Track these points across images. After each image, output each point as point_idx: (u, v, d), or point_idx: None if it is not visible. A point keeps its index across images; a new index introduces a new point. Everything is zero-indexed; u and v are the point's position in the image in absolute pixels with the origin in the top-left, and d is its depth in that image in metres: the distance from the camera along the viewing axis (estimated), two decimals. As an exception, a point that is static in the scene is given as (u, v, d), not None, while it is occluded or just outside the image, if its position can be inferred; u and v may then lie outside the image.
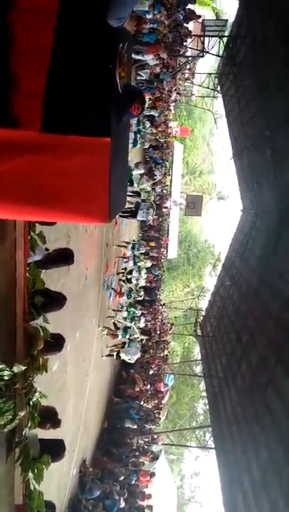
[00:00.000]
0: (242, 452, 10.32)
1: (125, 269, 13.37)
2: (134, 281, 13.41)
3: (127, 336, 12.06)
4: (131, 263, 13.97)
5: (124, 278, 12.96)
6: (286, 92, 10.68)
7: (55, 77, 3.05)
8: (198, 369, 27.74)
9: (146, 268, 15.05)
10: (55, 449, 5.32)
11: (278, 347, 9.99)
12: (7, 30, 3.04)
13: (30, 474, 4.52)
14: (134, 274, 13.11)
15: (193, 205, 27.28)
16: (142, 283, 13.57)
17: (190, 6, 14.65)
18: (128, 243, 12.77)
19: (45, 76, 3.08)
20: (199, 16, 16.66)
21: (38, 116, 3.07)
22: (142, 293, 14.48)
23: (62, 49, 3.07)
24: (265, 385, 9.90)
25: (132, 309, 12.87)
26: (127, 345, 12.06)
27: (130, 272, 12.85)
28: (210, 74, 22.12)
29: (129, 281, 12.87)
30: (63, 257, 5.35)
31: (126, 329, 12.11)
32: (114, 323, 12.06)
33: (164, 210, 21.61)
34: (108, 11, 3.03)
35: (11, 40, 3.05)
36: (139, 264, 13.68)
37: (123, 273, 13.09)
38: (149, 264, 15.19)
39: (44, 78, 3.08)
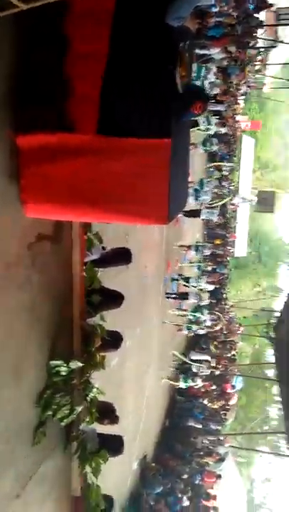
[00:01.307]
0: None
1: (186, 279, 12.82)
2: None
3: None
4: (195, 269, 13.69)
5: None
6: None
7: (112, 79, 3.08)
8: (270, 372, 26.69)
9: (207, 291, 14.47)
10: (114, 445, 5.41)
11: None
12: (63, 35, 3.14)
13: (88, 468, 4.64)
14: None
15: (265, 202, 26.26)
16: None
17: (261, -5, 14.06)
18: (189, 247, 12.53)
19: (100, 80, 3.12)
20: (272, 5, 15.93)
21: (95, 119, 3.12)
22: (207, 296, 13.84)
23: (119, 51, 3.08)
24: None
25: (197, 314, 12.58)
26: None
27: (187, 280, 12.40)
28: (286, 64, 21.12)
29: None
30: (120, 256, 5.42)
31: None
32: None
33: (231, 207, 21.03)
34: (167, 10, 2.99)
35: (67, 45, 3.14)
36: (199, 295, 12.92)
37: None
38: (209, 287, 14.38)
39: (100, 82, 3.12)
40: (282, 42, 18.06)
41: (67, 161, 3.27)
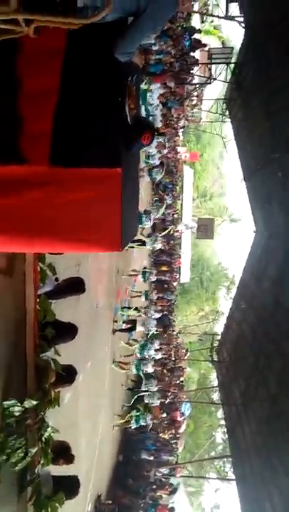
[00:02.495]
0: (263, 484, 9.89)
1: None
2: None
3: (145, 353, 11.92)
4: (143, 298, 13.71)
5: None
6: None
7: (64, 114, 3.08)
8: (215, 396, 27.04)
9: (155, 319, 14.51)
10: (69, 486, 5.14)
11: None
12: (14, 73, 3.12)
13: (44, 514, 4.34)
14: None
15: (205, 229, 27.25)
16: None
17: (196, 36, 15.04)
18: (137, 271, 12.64)
19: (51, 116, 3.12)
20: (205, 45, 17.08)
21: (47, 151, 3.09)
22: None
23: (70, 86, 3.11)
24: (284, 411, 9.56)
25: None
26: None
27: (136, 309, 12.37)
28: (218, 99, 22.51)
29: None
30: (74, 287, 5.31)
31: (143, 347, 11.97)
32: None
33: (176, 234, 21.58)
34: (115, 46, 3.09)
35: (18, 82, 3.12)
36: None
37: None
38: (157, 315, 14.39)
39: (51, 118, 3.12)
40: (215, 79, 19.31)
41: (19, 192, 3.20)
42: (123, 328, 11.53)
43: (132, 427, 11.71)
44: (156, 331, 13.76)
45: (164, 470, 14.66)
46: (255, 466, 11.08)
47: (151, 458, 13.40)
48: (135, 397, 12.39)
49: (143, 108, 10.85)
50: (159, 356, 13.85)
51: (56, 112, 3.08)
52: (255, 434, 11.91)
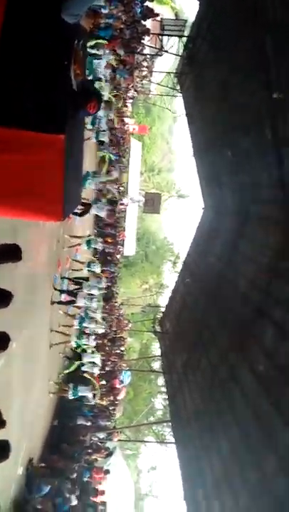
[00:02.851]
0: (203, 446, 10.46)
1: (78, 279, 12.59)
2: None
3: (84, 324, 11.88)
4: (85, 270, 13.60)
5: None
6: (244, 93, 10.91)
7: (7, 73, 2.98)
8: (156, 365, 28.01)
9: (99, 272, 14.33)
10: (-2, 449, 5.22)
11: (238, 343, 10.21)
12: None
13: None
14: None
15: (152, 203, 27.43)
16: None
17: (148, 4, 14.66)
18: (80, 240, 12.40)
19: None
20: (157, 14, 16.71)
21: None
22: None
23: (13, 44, 2.99)
24: (226, 380, 10.07)
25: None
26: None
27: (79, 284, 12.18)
28: (169, 73, 22.28)
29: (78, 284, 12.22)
30: (9, 253, 5.21)
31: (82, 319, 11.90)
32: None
33: (121, 207, 21.55)
34: (63, 6, 2.99)
35: None
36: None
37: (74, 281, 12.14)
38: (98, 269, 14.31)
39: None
40: (166, 51, 19.04)
41: None
42: (62, 300, 11.41)
43: (70, 397, 11.76)
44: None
45: (101, 435, 15.12)
46: (195, 429, 11.66)
47: (88, 423, 13.75)
48: (74, 366, 12.40)
49: (91, 75, 10.50)
50: (101, 331, 13.83)
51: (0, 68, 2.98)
52: (196, 399, 12.49)
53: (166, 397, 18.13)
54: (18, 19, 3.04)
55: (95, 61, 10.75)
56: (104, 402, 15.31)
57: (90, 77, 10.45)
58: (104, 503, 13.68)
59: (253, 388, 8.39)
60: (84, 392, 11.97)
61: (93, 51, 10.96)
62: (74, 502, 10.60)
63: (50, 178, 3.26)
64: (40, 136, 3.13)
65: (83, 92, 3.36)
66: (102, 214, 13.46)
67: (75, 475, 11.47)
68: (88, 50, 10.31)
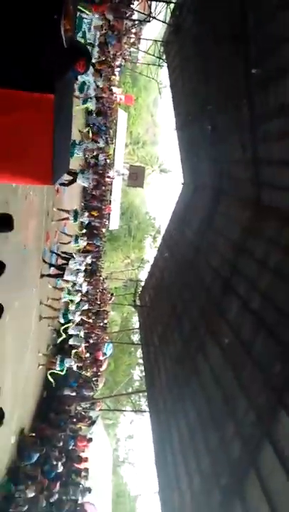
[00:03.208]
0: (173, 414, 10.90)
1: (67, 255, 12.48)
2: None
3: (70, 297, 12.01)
4: (72, 243, 13.53)
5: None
6: (227, 67, 10.74)
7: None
8: (135, 338, 28.51)
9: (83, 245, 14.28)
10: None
11: (208, 317, 10.50)
12: None
13: None
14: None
15: (136, 177, 27.13)
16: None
17: None
18: (68, 213, 12.33)
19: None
20: (146, -22, 16.11)
21: None
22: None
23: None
24: (196, 352, 10.41)
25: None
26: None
27: (66, 259, 12.15)
28: (156, 41, 21.66)
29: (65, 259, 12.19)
30: (2, 222, 5.13)
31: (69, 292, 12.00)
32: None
33: (107, 179, 21.24)
34: None
35: None
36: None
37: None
38: (84, 243, 14.33)
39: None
40: (154, 18, 18.44)
41: None
42: (51, 273, 11.43)
43: (57, 369, 11.99)
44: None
45: (85, 404, 15.44)
46: (167, 398, 12.09)
47: (74, 394, 14.01)
48: (60, 339, 12.58)
49: (80, 35, 10.10)
50: (86, 307, 13.98)
51: None
52: (169, 370, 12.90)
53: (144, 368, 18.61)
54: None
55: (85, 21, 10.34)
56: (88, 374, 15.55)
57: (80, 39, 10.07)
58: (86, 470, 14.10)
59: (218, 360, 8.76)
60: (69, 363, 12.23)
61: (82, 16, 10.53)
62: (60, 469, 10.91)
63: (39, 138, 3.16)
64: (28, 96, 3.01)
65: (72, 49, 3.20)
66: (88, 184, 13.28)
67: (61, 443, 11.75)
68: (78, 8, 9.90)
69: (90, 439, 14.89)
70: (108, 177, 21.05)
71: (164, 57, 20.49)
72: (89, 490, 12.09)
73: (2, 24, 2.89)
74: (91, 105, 13.54)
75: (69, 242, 13.45)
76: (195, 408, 9.36)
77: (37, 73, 3.00)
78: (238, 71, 9.40)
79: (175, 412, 10.76)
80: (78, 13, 10.09)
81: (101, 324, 17.99)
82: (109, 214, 23.88)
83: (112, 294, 21.74)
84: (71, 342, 12.81)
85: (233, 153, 11.23)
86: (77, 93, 11.82)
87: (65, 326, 12.40)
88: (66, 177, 11.48)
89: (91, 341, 15.79)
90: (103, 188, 19.58)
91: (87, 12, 10.67)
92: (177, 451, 9.86)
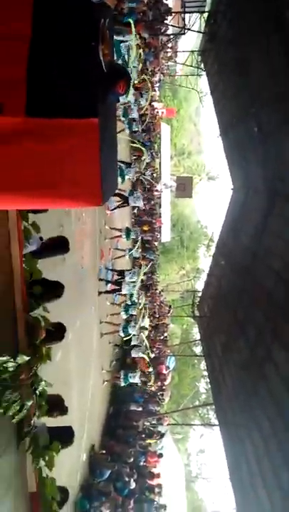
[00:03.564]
0: (244, 426, 10.55)
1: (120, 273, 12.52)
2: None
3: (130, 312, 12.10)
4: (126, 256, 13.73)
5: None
6: (268, 66, 10.55)
7: (37, 60, 2.96)
8: (198, 349, 28.09)
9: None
10: (64, 436, 5.39)
11: (273, 322, 10.12)
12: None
13: (42, 462, 4.58)
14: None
15: (184, 187, 27.13)
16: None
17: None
18: (120, 232, 12.58)
19: (25, 61, 2.99)
20: (178, -8, 16.31)
21: (22, 101, 2.99)
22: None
23: (43, 30, 2.97)
24: (263, 359, 10.06)
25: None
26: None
27: (121, 274, 12.32)
28: (192, 51, 21.79)
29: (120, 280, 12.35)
30: (59, 245, 5.32)
31: (127, 308, 12.13)
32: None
33: (156, 193, 21.41)
34: None
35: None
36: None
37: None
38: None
39: (25, 63, 2.99)
40: (189, 29, 18.59)
41: (-3, 145, 3.11)
42: (108, 289, 11.66)
43: (121, 385, 12.07)
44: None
45: (152, 419, 15.38)
46: (237, 410, 11.74)
47: (140, 409, 14.01)
48: (126, 338, 12.59)
49: (119, 58, 10.42)
50: (146, 322, 13.96)
51: (30, 58, 2.96)
52: (235, 381, 12.54)
53: (209, 380, 18.22)
54: (46, 5, 3.00)
55: (122, 44, 10.64)
56: (153, 388, 15.51)
57: (119, 61, 10.36)
58: (160, 486, 13.95)
59: (287, 365, 8.34)
60: (134, 379, 12.26)
61: (119, 38, 10.84)
62: (133, 485, 10.88)
63: (88, 163, 3.21)
64: (73, 122, 3.08)
65: (111, 73, 3.26)
66: (141, 204, 13.50)
67: (131, 459, 11.75)
68: (114, 36, 10.20)
69: (161, 455, 14.77)
70: (156, 191, 21.21)
71: (202, 65, 20.55)
72: (164, 507, 11.95)
73: (44, 55, 3.03)
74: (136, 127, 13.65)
75: (123, 256, 13.71)
76: (267, 417, 9.02)
77: (80, 100, 3.10)
78: (282, 71, 9.20)
79: (246, 423, 10.42)
80: (115, 37, 10.41)
81: (161, 338, 17.93)
82: (160, 227, 24.01)
83: (170, 307, 21.67)
84: (134, 354, 12.86)
85: (285, 153, 10.93)
86: (122, 118, 12.17)
87: (126, 338, 12.51)
88: (117, 199, 11.86)
89: (153, 355, 15.76)
90: (152, 202, 19.77)
91: (123, 34, 10.98)
92: (253, 464, 9.51)
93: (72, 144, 3.10)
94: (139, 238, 14.78)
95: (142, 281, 14.25)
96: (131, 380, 12.12)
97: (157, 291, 21.15)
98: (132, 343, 12.73)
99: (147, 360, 13.23)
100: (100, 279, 10.94)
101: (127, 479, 10.63)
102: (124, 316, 12.31)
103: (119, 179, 11.64)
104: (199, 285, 30.80)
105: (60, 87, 3.02)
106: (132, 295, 12.17)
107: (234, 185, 21.62)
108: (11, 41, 3.01)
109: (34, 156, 3.10)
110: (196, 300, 23.50)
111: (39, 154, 3.10)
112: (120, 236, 12.59)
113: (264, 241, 13.38)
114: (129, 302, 12.11)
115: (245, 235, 16.56)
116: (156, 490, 13.38)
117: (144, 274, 14.35)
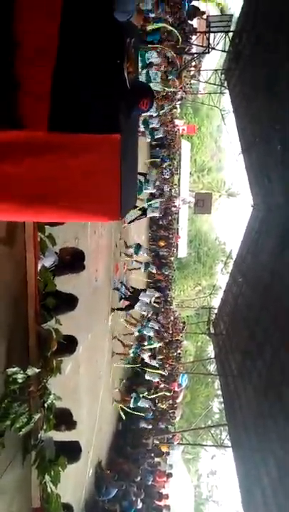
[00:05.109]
0: (259, 450, 10.24)
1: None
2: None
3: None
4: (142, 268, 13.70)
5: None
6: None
7: (62, 76, 3.01)
8: (212, 367, 27.60)
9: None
10: (71, 451, 5.32)
11: None
12: (10, 31, 3.02)
13: (47, 477, 4.50)
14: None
15: (202, 203, 27.10)
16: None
17: (194, 3, 14.55)
18: (130, 247, 12.52)
19: (50, 76, 3.05)
20: (203, 12, 16.55)
21: (45, 116, 3.04)
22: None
23: (68, 46, 3.02)
24: (281, 381, 9.80)
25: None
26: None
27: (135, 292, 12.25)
28: (216, 70, 21.99)
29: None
30: (76, 257, 5.33)
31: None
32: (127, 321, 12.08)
33: (174, 209, 21.44)
34: (114, 4, 2.99)
35: (16, 44, 3.03)
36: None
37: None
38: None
39: (50, 78, 3.05)
40: (213, 48, 18.79)
41: (18, 159, 3.16)
42: (121, 307, 11.58)
43: (130, 406, 11.92)
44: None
45: (162, 438, 15.10)
46: (251, 433, 11.42)
47: (150, 427, 13.78)
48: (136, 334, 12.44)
49: (144, 75, 10.59)
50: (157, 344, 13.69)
51: (54, 75, 3.01)
52: (251, 403, 12.23)
53: (223, 400, 17.83)
54: (73, 23, 3.06)
55: (147, 61, 10.83)
56: (164, 406, 15.26)
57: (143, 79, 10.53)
58: (168, 507, 13.62)
59: None
60: (144, 404, 12.16)
61: (143, 56, 11.04)
62: (139, 505, 10.65)
63: (108, 178, 3.24)
64: (95, 138, 3.12)
65: (135, 90, 3.31)
66: (158, 214, 13.52)
67: (139, 478, 11.52)
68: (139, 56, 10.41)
69: (170, 475, 14.48)
70: (174, 206, 21.24)
71: (225, 84, 20.69)
72: (170, 529, 11.64)
73: (69, 71, 3.09)
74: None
75: (138, 268, 13.70)
76: (282, 442, 8.73)
77: (103, 115, 3.14)
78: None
79: (260, 447, 10.11)
80: (140, 55, 10.63)
81: (174, 354, 17.71)
82: (177, 243, 23.97)
83: (184, 323, 21.45)
84: (148, 377, 12.75)
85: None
86: (142, 129, 12.28)
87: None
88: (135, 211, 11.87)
89: (165, 372, 15.55)
90: (169, 217, 19.77)
91: (148, 53, 11.19)
92: (267, 489, 9.18)
93: (93, 158, 3.14)
94: (151, 255, 14.71)
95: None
96: (140, 404, 12.01)
97: (172, 307, 20.98)
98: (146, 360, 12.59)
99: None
100: (114, 289, 10.92)
101: (134, 498, 10.41)
102: (137, 334, 12.24)
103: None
104: (215, 302, 30.46)
105: (84, 102, 3.07)
106: (143, 315, 12.13)
107: (254, 202, 21.51)
108: (38, 57, 3.09)
109: (55, 170, 3.14)
110: (211, 317, 23.20)
111: (60, 168, 3.13)
112: (132, 256, 12.55)
113: (285, 259, 13.20)
114: (144, 323, 12.04)
115: (265, 253, 16.38)
116: (164, 511, 13.07)
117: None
